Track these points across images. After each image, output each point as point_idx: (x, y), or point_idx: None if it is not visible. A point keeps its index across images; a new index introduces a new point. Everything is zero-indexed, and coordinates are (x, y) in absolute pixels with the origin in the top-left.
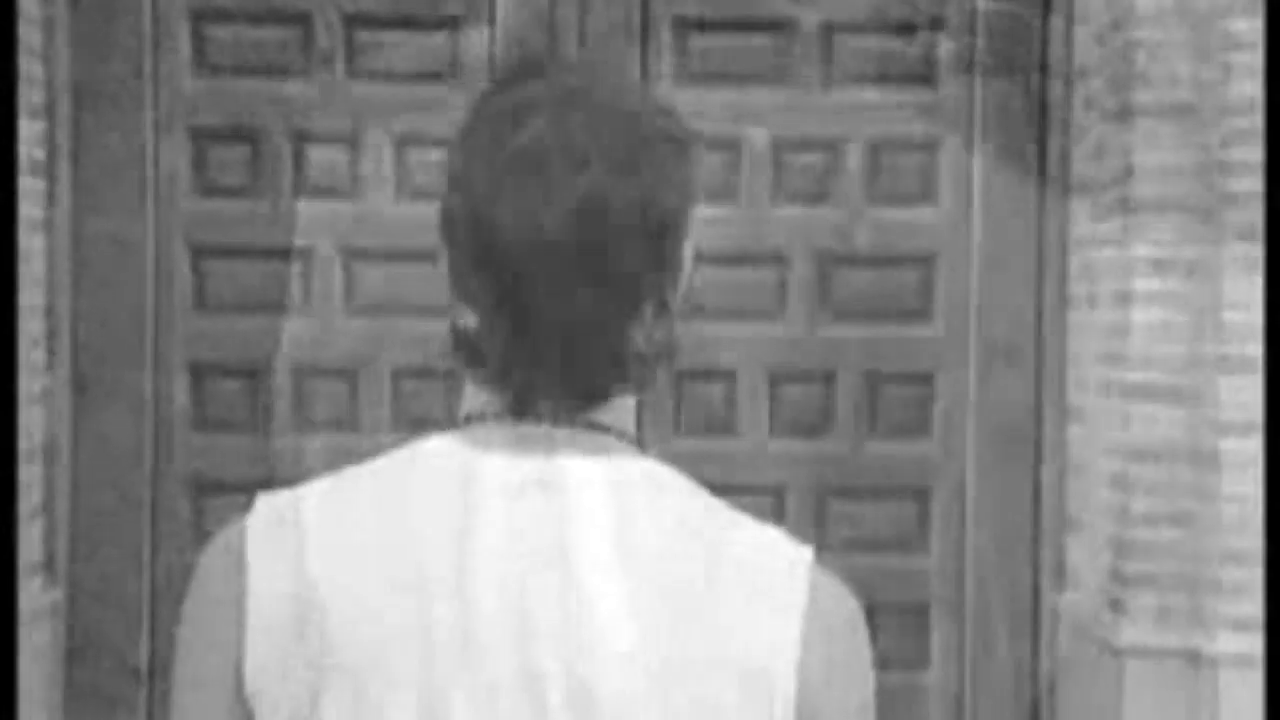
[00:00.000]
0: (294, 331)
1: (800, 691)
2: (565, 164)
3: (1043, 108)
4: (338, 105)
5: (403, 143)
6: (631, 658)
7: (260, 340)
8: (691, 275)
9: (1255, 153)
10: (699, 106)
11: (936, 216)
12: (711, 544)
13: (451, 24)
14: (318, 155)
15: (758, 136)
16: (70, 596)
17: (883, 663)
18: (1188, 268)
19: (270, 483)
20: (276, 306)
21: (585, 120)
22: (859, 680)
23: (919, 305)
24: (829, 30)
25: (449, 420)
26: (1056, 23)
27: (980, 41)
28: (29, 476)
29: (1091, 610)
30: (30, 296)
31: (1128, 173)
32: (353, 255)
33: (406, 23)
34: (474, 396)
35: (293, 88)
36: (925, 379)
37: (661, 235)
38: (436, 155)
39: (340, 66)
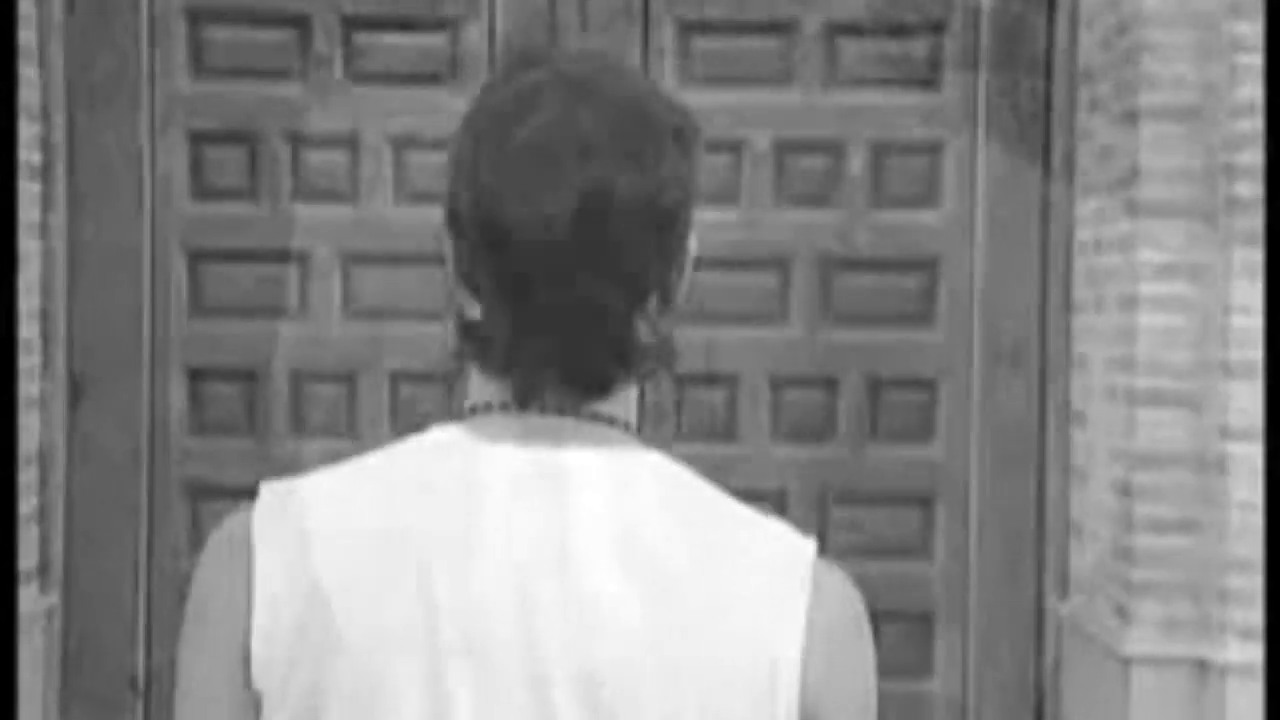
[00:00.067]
0: (291, 335)
1: (804, 685)
2: (571, 154)
3: (1047, 110)
4: (335, 107)
5: (401, 145)
6: (636, 651)
7: (257, 344)
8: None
9: (1262, 156)
10: (700, 108)
11: (940, 219)
12: (715, 537)
13: (450, 26)
14: (315, 158)
15: (759, 138)
16: (66, 602)
17: (886, 670)
18: (1194, 272)
19: None
20: (274, 310)
21: (591, 110)
22: (862, 674)
23: (922, 309)
24: (831, 32)
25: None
26: (1061, 25)
27: (984, 43)
28: (24, 481)
29: (1097, 618)
30: (25, 300)
31: (1133, 176)
32: (351, 258)
33: (404, 24)
34: (478, 387)
35: (290, 90)
36: (928, 384)
37: (667, 226)
38: (435, 158)
39: (338, 68)
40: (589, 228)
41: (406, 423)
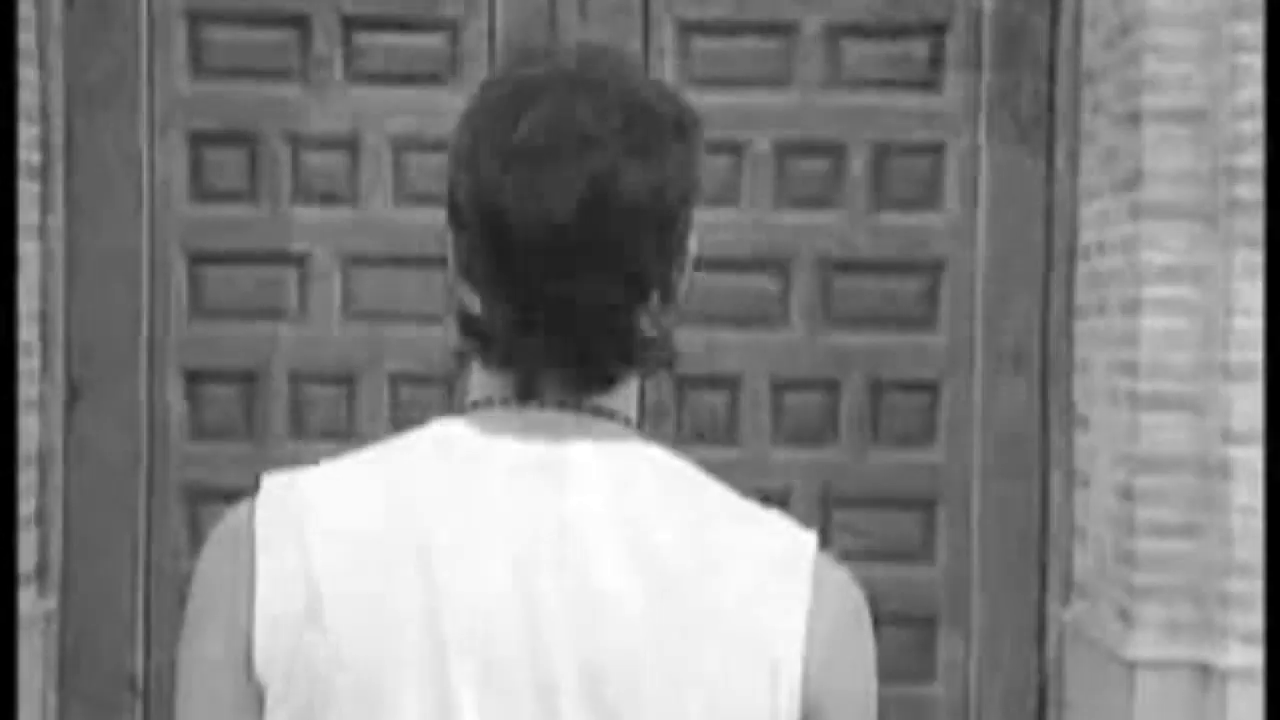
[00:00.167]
0: (291, 337)
1: (805, 681)
2: (573, 148)
3: (1050, 112)
4: (335, 108)
5: (401, 146)
6: (639, 646)
7: (257, 346)
8: (694, 269)
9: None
10: (701, 109)
11: (942, 221)
12: (717, 531)
13: (450, 26)
14: (315, 159)
15: (760, 140)
16: (64, 605)
17: (887, 674)
18: (1198, 274)
19: None
20: (273, 312)
21: (593, 104)
22: (863, 668)
23: (924, 312)
24: (833, 33)
25: None
26: (1064, 26)
27: (986, 44)
28: (23, 483)
29: (1099, 622)
30: (24, 302)
31: (1137, 178)
32: (350, 261)
33: (404, 25)
34: (479, 382)
35: (289, 91)
36: (930, 387)
37: (669, 220)
38: (435, 159)
39: (338, 69)
40: (590, 222)
41: (406, 425)
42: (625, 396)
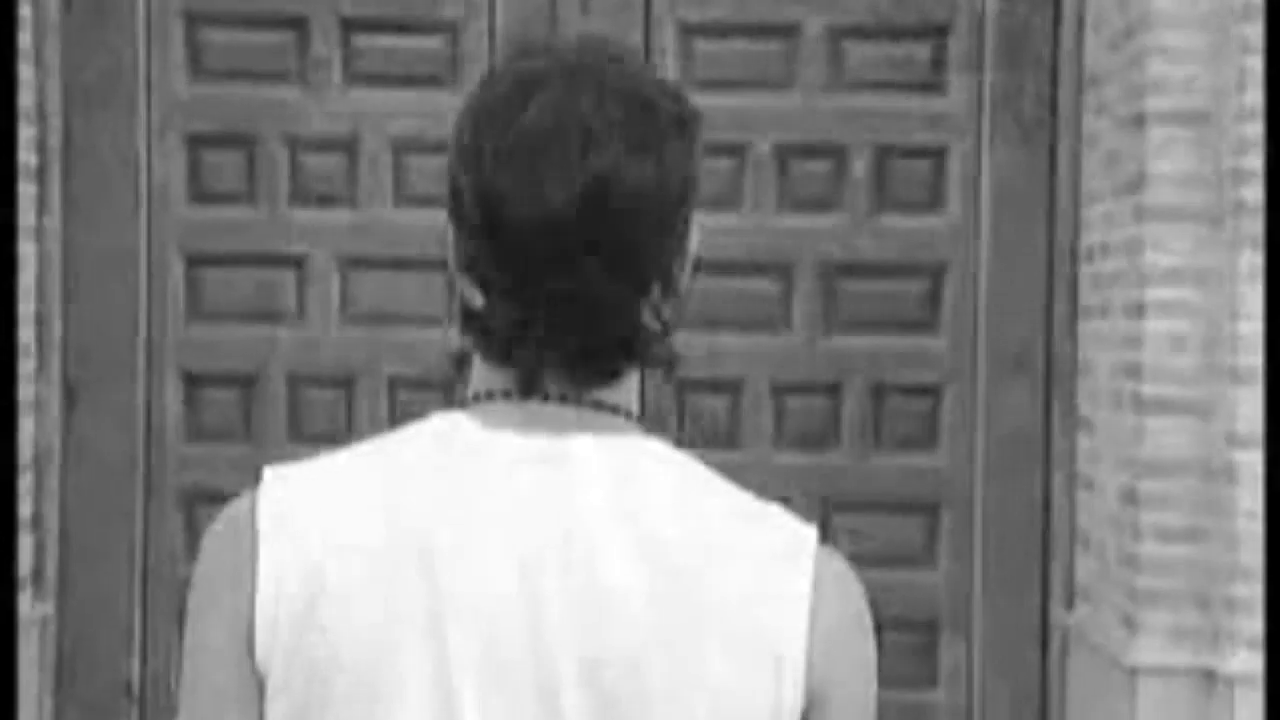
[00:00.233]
0: (289, 340)
1: (809, 674)
2: (573, 143)
3: (1053, 114)
4: (334, 110)
5: (400, 148)
6: (643, 642)
7: (254, 349)
8: (695, 272)
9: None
10: (703, 112)
11: (944, 224)
12: (718, 526)
13: (449, 28)
14: (314, 161)
15: (762, 142)
16: (61, 608)
17: (890, 680)
18: (1201, 277)
19: None
20: (271, 315)
21: (592, 98)
22: (864, 657)
23: (926, 315)
24: (835, 35)
25: None
26: (1067, 28)
27: (989, 47)
28: (19, 487)
29: (1102, 627)
30: (20, 304)
31: (1140, 180)
32: (349, 263)
33: (403, 26)
34: (481, 376)
35: (288, 93)
36: (933, 390)
37: (670, 214)
38: (435, 161)
39: (336, 71)
40: (592, 216)
41: None
42: (627, 391)
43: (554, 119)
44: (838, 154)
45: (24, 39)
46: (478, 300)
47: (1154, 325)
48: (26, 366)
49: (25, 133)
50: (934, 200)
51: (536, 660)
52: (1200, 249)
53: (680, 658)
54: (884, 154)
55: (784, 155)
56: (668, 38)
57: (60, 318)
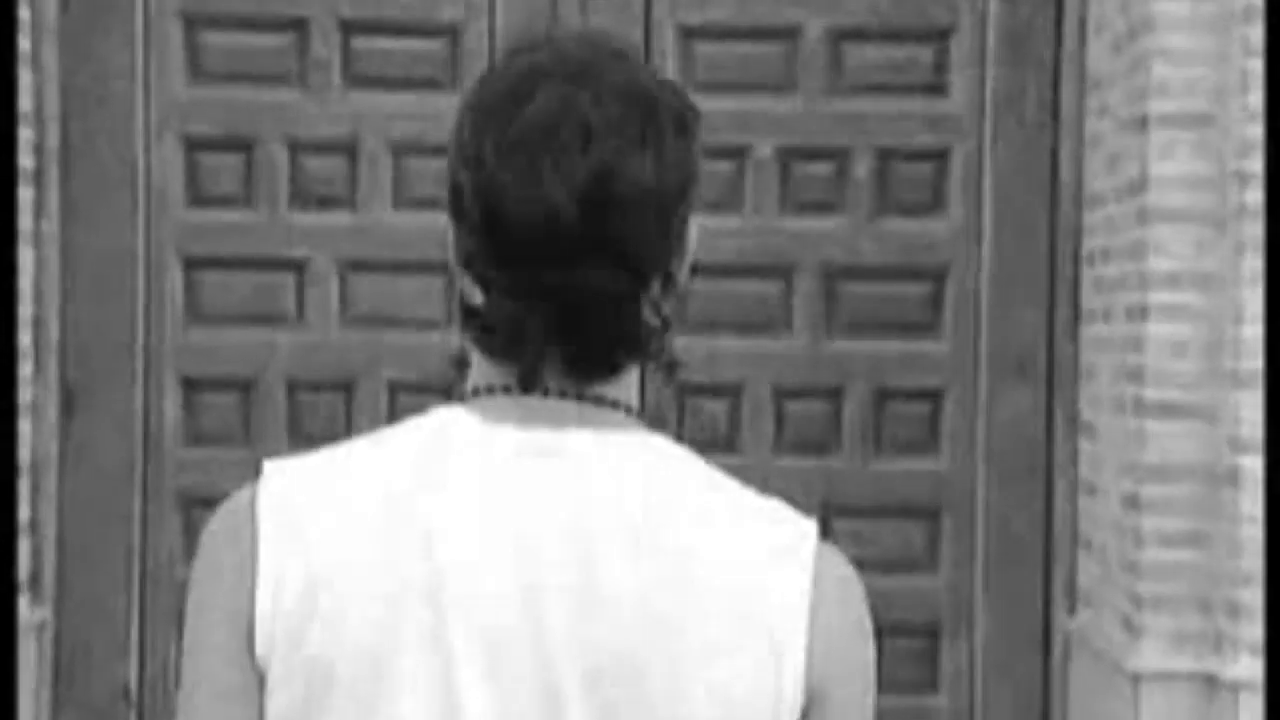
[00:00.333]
0: (288, 344)
1: (809, 662)
2: (573, 138)
3: (1055, 117)
4: (333, 113)
5: (400, 151)
6: (643, 637)
7: (253, 353)
8: (695, 275)
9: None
10: (703, 114)
11: (946, 228)
12: (718, 521)
13: (449, 30)
14: (313, 164)
15: (763, 145)
16: (58, 614)
17: (891, 685)
18: (1204, 280)
19: None
20: (270, 318)
21: (592, 94)
22: (863, 650)
23: (928, 319)
24: (836, 37)
25: None
26: (1069, 30)
27: (991, 49)
28: (16, 491)
29: (1104, 632)
30: (18, 307)
31: (1143, 183)
32: (349, 266)
33: (403, 28)
34: (481, 371)
35: (288, 95)
36: (934, 395)
37: (669, 209)
38: (435, 163)
39: (336, 73)
40: (591, 211)
41: None
42: (627, 386)
43: (554, 115)
44: (839, 157)
45: (22, 42)
46: (478, 296)
47: (1156, 329)
48: (24, 370)
49: (23, 136)
50: (935, 203)
51: (536, 653)
52: (1203, 252)
53: (680, 650)
54: (885, 156)
55: (785, 158)
56: (668, 40)
57: (58, 321)
